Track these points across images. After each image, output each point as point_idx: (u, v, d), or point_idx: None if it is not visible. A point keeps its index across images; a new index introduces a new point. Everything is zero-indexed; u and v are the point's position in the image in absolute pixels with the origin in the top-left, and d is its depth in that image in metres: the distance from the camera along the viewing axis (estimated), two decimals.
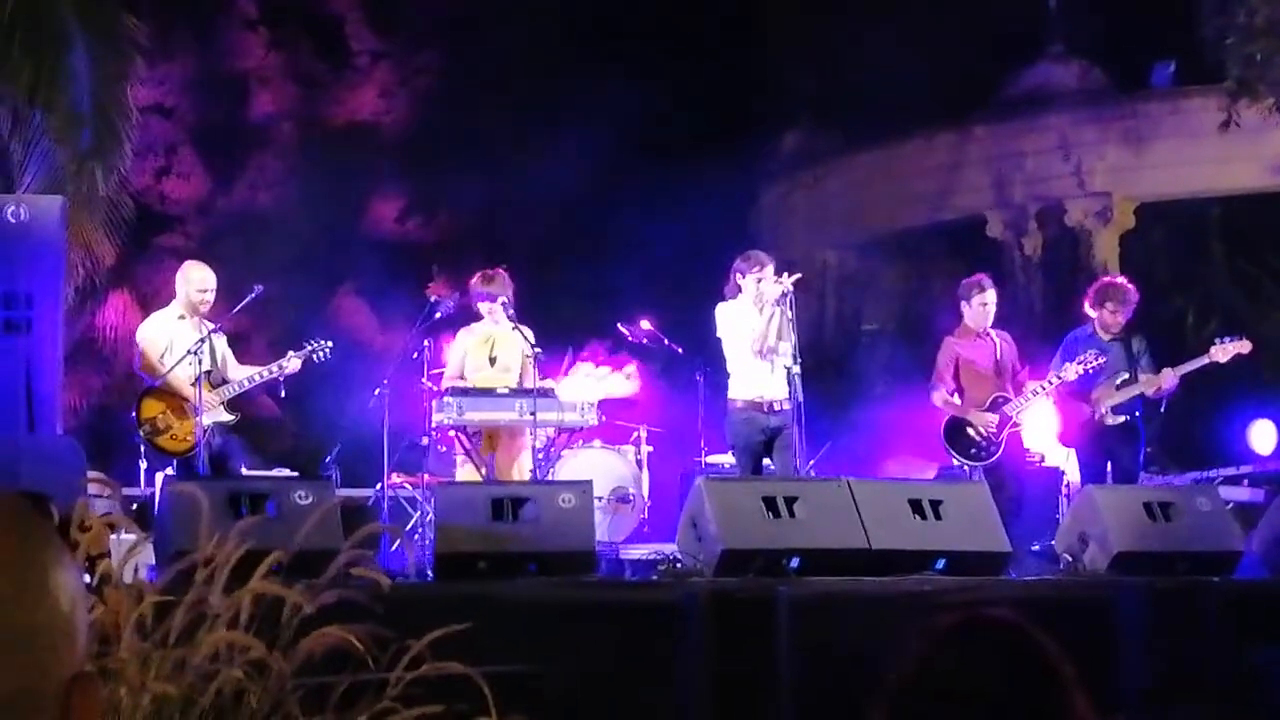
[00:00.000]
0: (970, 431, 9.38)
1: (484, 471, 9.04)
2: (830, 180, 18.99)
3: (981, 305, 9.49)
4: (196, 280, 9.02)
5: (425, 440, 9.43)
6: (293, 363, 9.06)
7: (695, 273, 11.22)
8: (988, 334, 9.57)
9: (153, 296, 16.37)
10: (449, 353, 9.59)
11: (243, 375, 9.10)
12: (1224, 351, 9.41)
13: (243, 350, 9.61)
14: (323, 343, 9.20)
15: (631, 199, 17.25)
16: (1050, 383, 9.37)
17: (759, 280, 8.84)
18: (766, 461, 8.83)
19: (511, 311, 9.32)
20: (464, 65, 18.40)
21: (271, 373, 9.05)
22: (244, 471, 9.31)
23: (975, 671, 1.72)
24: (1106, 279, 10.31)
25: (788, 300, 8.72)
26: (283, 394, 9.43)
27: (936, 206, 17.80)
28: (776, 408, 8.75)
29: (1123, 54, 16.84)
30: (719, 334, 8.99)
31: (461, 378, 9.37)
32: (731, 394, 8.93)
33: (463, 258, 16.93)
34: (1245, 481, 11.80)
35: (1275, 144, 14.15)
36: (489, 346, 9.40)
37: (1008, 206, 17.24)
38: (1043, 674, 1.73)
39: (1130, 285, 9.76)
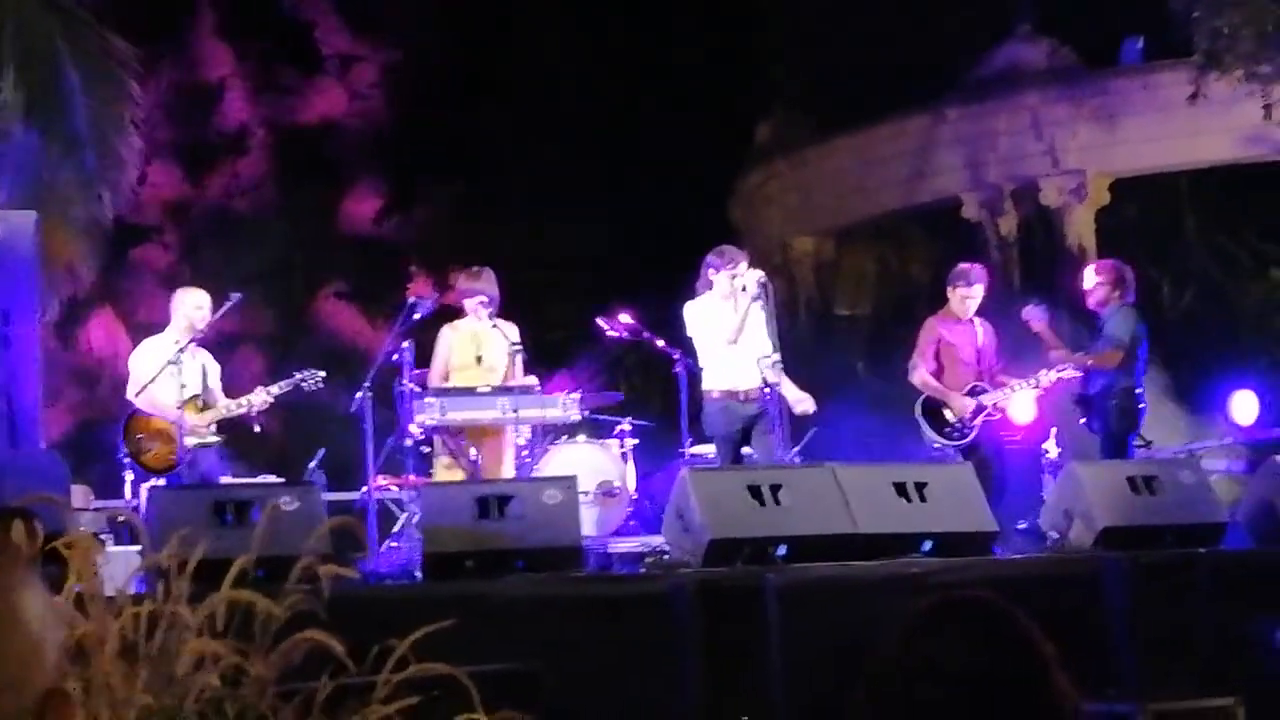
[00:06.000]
0: (946, 413, 9.47)
1: (468, 468, 9.03)
2: (805, 167, 19.00)
3: (964, 298, 9.55)
4: (192, 301, 9.24)
5: (409, 441, 9.41)
6: (261, 397, 9.22)
7: (673, 263, 11.19)
8: (971, 321, 9.61)
9: (134, 312, 16.41)
10: (435, 350, 9.54)
11: (229, 403, 9.28)
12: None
13: (229, 359, 9.74)
14: (314, 373, 9.31)
15: (608, 191, 17.26)
16: (1037, 381, 9.37)
17: (733, 276, 8.86)
18: (746, 449, 8.86)
19: (493, 309, 9.32)
20: (436, 57, 18.37)
21: (253, 404, 9.21)
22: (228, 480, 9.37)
23: (954, 652, 1.72)
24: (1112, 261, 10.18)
25: (766, 292, 8.73)
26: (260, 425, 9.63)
27: (911, 190, 17.80)
28: (753, 395, 8.78)
29: (1091, 31, 16.86)
30: (689, 333, 9.02)
31: (447, 376, 9.34)
32: (706, 385, 8.96)
33: (440, 256, 16.97)
34: (1228, 453, 11.85)
35: (1245, 115, 14.16)
36: (475, 344, 9.38)
37: (982, 187, 17.24)
38: (1021, 652, 1.74)
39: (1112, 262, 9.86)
